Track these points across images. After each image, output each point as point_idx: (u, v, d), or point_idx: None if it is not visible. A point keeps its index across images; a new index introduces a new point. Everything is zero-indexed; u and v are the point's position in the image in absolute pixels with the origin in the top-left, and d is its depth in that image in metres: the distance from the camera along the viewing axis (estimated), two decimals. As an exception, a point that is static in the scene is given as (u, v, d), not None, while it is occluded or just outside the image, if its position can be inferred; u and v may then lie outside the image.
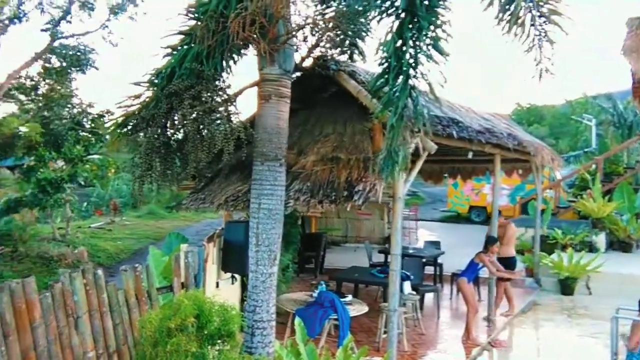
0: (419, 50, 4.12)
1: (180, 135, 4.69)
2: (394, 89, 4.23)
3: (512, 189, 18.43)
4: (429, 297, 9.47)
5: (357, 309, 6.95)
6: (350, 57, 5.92)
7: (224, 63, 4.75)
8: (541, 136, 23.75)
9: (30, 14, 14.17)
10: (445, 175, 13.30)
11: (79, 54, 14.32)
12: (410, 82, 4.23)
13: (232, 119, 4.84)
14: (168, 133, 4.57)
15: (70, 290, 4.15)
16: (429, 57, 4.19)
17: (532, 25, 4.34)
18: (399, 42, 4.15)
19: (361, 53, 5.78)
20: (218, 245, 5.67)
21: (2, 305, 3.69)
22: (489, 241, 7.94)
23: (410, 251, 11.13)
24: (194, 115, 4.48)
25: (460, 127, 6.24)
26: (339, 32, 5.20)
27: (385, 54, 4.25)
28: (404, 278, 8.50)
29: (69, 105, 14.38)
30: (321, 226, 14.59)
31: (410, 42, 4.08)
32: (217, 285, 5.61)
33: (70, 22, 14.55)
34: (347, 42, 5.48)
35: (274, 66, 4.79)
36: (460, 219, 20.82)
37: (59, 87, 14.77)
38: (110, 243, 15.74)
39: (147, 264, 4.90)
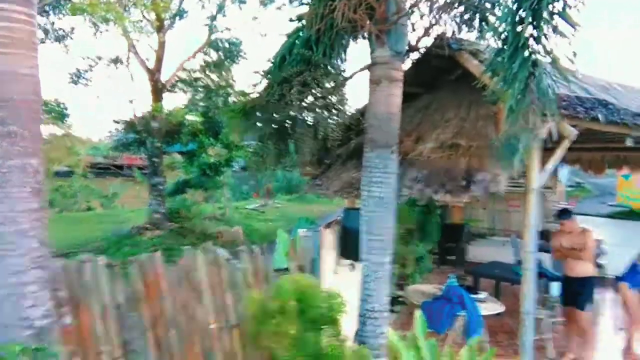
0: (540, 22, 3.66)
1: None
2: (512, 67, 3.82)
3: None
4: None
5: (490, 307, 6.51)
6: (481, 35, 5.49)
7: (334, 48, 4.72)
8: None
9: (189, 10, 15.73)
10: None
11: (231, 46, 15.48)
12: (532, 58, 3.79)
13: (342, 104, 4.81)
14: (279, 119, 4.70)
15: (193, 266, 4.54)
16: (554, 29, 3.70)
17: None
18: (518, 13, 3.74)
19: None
20: (337, 232, 5.74)
21: (134, 275, 4.18)
22: None
23: (563, 248, 10.08)
24: (303, 102, 4.55)
25: (610, 109, 5.41)
26: (465, 7, 4.85)
27: (502, 28, 3.86)
28: (552, 278, 7.75)
29: (224, 94, 15.64)
30: (465, 217, 13.93)
31: (530, 12, 3.64)
32: (336, 271, 5.68)
33: (225, 15, 15.80)
34: (477, 17, 5.08)
35: (384, 48, 4.63)
36: (633, 215, 18.25)
37: (217, 79, 16.15)
38: (262, 224, 16.91)
39: (264, 245, 5.13)
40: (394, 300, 7.43)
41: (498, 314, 6.78)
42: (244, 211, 18.46)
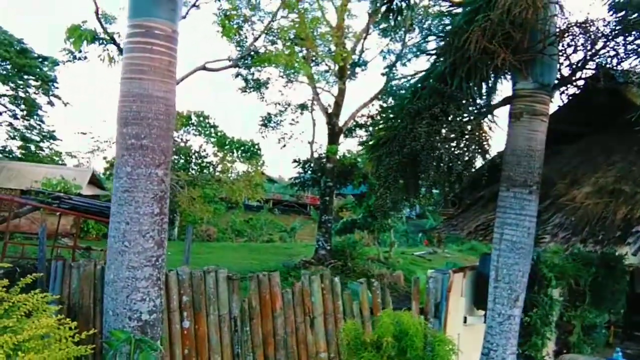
0: None
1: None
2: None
3: None
4: None
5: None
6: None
7: (470, 81, 4.48)
8: None
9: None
10: None
11: (406, 92, 15.71)
12: None
13: (478, 139, 4.51)
14: (406, 152, 4.58)
15: (308, 291, 4.62)
16: None
17: None
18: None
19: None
20: (470, 278, 5.29)
21: (250, 291, 4.41)
22: None
23: None
24: (432, 135, 4.38)
25: None
26: (632, 32, 4.25)
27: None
28: None
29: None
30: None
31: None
32: (465, 321, 5.20)
33: (405, 65, 16.21)
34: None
35: (526, 80, 4.26)
36: None
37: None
38: (425, 271, 16.40)
39: (384, 282, 4.98)
40: (543, 368, 6.49)
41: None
42: (409, 257, 18.14)
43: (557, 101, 5.02)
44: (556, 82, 4.44)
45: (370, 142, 5.21)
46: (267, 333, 4.42)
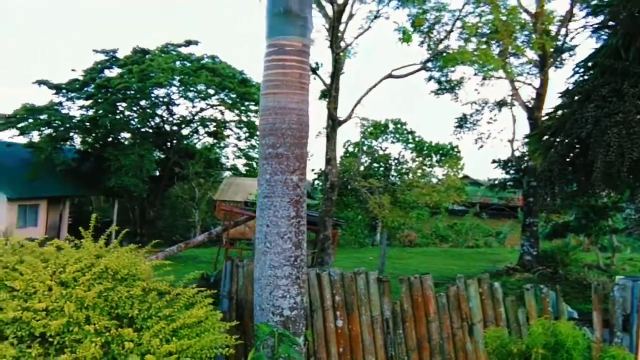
0: None
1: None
2: None
3: None
4: None
5: None
6: None
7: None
8: None
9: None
10: None
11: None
12: None
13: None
14: (570, 142, 3.99)
15: (464, 296, 4.37)
16: None
17: None
18: None
19: None
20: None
21: (402, 294, 4.36)
22: None
23: None
24: (601, 118, 3.77)
25: None
26: None
27: None
28: None
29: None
30: None
31: None
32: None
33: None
34: None
35: None
36: None
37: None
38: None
39: (556, 287, 4.44)
40: None
41: None
42: (639, 263, 15.54)
43: None
44: None
45: (535, 134, 4.70)
46: (422, 337, 4.32)
